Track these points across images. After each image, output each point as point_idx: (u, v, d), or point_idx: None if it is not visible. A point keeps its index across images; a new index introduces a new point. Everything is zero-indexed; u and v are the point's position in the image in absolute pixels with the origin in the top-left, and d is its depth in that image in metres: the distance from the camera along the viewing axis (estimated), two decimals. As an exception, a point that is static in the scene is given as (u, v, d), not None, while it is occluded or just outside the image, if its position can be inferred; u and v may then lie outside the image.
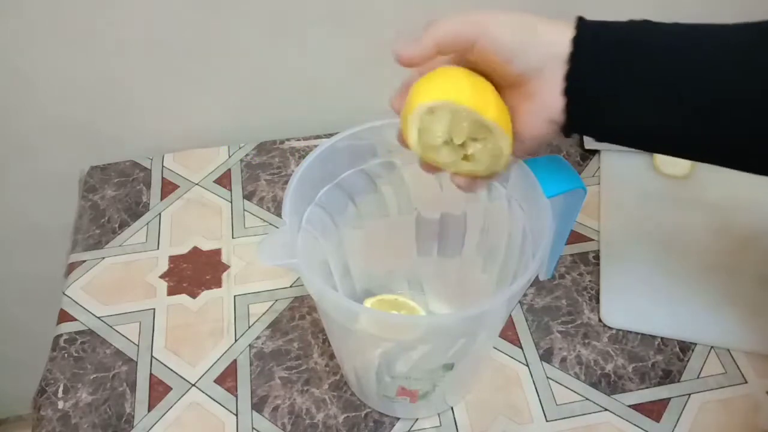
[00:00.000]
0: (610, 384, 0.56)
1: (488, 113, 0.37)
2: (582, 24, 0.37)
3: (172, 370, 0.57)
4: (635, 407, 0.54)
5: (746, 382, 0.56)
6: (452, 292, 0.59)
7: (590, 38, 0.37)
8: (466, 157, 0.40)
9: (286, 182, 0.71)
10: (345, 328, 0.44)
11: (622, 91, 0.36)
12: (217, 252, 0.66)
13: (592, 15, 0.38)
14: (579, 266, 0.64)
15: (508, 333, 0.59)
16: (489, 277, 0.53)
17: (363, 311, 0.42)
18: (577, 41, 0.36)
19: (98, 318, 0.61)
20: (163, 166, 0.74)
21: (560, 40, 0.37)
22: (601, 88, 0.37)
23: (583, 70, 0.36)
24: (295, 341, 0.59)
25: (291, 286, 0.63)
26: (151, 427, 0.54)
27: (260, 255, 0.39)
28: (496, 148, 0.39)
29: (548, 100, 0.37)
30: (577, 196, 0.45)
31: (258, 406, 0.55)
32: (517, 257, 0.47)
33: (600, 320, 0.60)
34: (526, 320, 0.60)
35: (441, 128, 0.39)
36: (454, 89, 0.38)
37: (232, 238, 0.67)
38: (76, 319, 0.60)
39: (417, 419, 0.54)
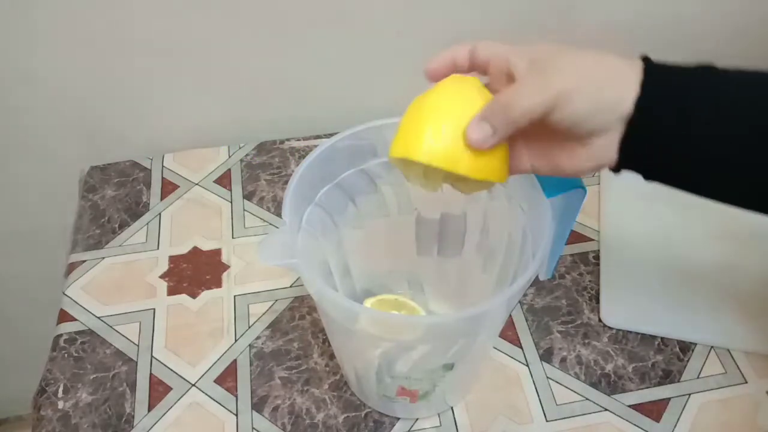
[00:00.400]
0: (610, 384, 0.56)
1: (460, 168, 0.36)
2: (646, 82, 0.36)
3: (172, 370, 0.57)
4: (635, 407, 0.54)
5: (746, 382, 0.56)
6: (452, 292, 0.59)
7: (653, 100, 0.36)
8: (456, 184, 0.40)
9: (286, 182, 0.71)
10: (345, 329, 0.44)
11: (679, 151, 0.37)
12: (217, 252, 0.66)
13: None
14: (579, 266, 0.64)
15: (508, 333, 0.59)
16: (489, 277, 0.53)
17: (363, 311, 0.42)
18: (640, 105, 0.36)
19: (98, 318, 0.61)
20: (163, 166, 0.74)
21: (626, 96, 0.36)
22: (656, 149, 0.37)
23: (641, 135, 0.37)
24: (295, 341, 0.59)
25: (291, 286, 0.63)
26: (151, 427, 0.54)
27: (260, 255, 0.39)
28: (483, 184, 0.39)
29: (603, 152, 0.38)
30: (577, 197, 0.45)
31: (258, 406, 0.55)
32: (518, 257, 0.47)
33: (600, 320, 0.60)
34: (526, 320, 0.60)
35: (417, 171, 0.39)
36: (425, 145, 0.36)
37: (232, 238, 0.67)
38: (76, 319, 0.60)
39: (417, 419, 0.54)
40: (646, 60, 0.37)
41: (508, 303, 0.40)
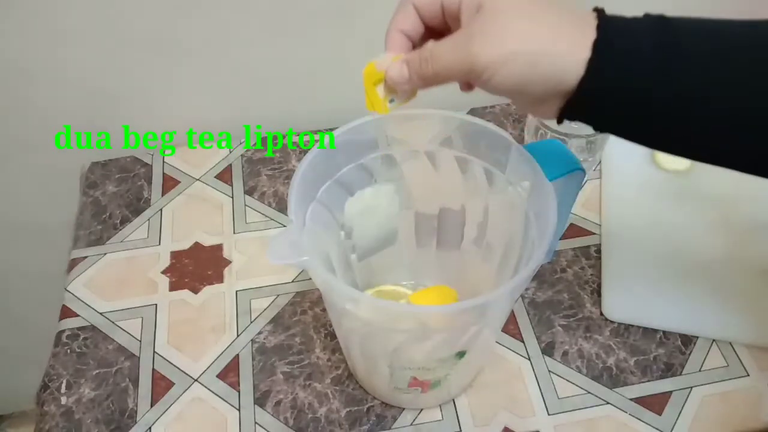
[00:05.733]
0: (611, 377, 0.56)
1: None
2: (595, 58, 0.33)
3: (174, 365, 0.57)
4: (637, 400, 0.54)
5: (748, 375, 0.56)
6: (453, 283, 0.59)
7: (599, 80, 0.33)
8: None
9: (288, 177, 0.71)
10: (359, 323, 0.44)
11: (629, 122, 0.36)
12: (219, 247, 0.66)
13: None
14: (580, 260, 0.64)
15: (510, 327, 0.59)
16: (490, 267, 0.52)
17: (386, 306, 0.42)
18: (585, 86, 0.33)
19: (100, 314, 0.61)
20: (164, 162, 0.74)
21: (568, 70, 0.33)
22: (603, 121, 0.36)
23: (586, 114, 0.35)
24: (297, 336, 0.59)
25: (293, 281, 0.63)
26: (154, 422, 0.54)
27: (269, 254, 0.39)
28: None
29: (541, 112, 0.37)
30: (577, 178, 0.45)
31: (260, 400, 0.55)
32: (520, 243, 0.47)
33: (601, 314, 0.60)
34: (528, 314, 0.60)
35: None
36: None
37: (234, 233, 0.67)
38: (78, 315, 0.61)
39: (420, 412, 0.54)
40: (600, 21, 0.33)
41: (513, 291, 0.40)
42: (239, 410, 0.55)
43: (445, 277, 0.59)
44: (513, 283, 0.38)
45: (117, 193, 0.71)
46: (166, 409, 0.55)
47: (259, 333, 0.59)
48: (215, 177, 0.72)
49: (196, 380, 0.56)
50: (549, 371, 0.56)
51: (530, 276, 0.39)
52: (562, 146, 0.45)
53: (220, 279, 0.63)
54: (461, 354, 0.46)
